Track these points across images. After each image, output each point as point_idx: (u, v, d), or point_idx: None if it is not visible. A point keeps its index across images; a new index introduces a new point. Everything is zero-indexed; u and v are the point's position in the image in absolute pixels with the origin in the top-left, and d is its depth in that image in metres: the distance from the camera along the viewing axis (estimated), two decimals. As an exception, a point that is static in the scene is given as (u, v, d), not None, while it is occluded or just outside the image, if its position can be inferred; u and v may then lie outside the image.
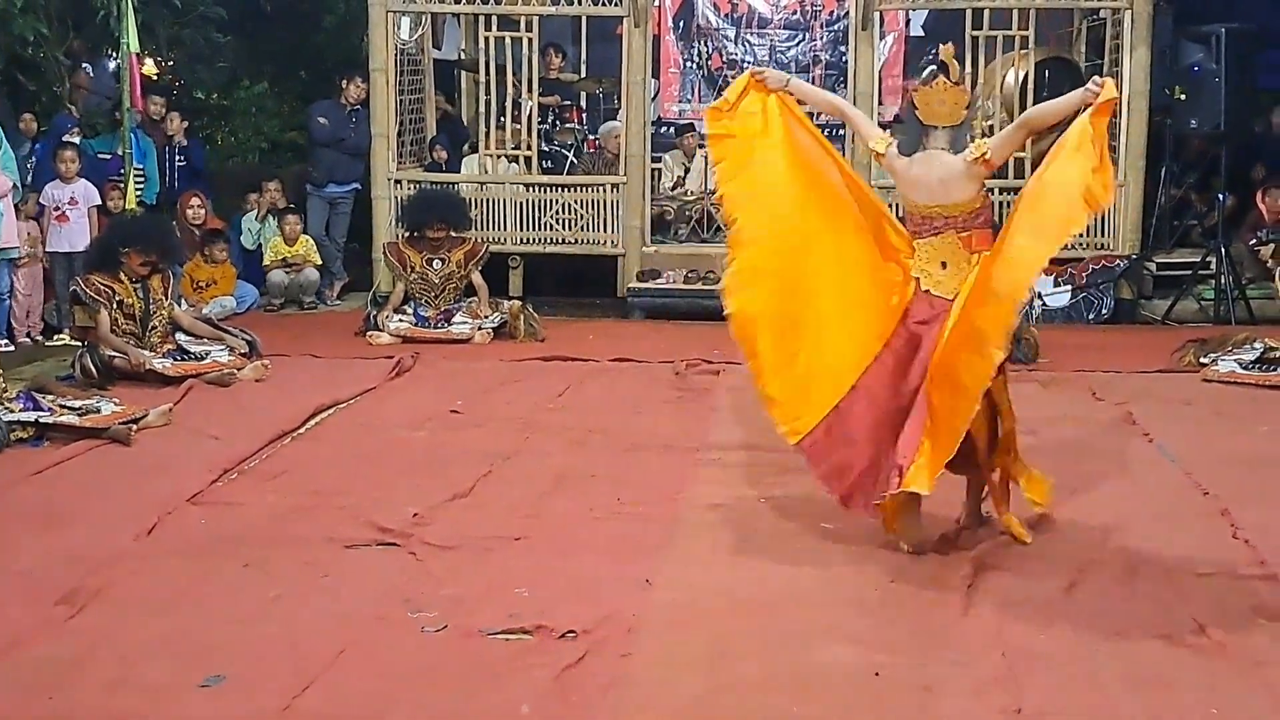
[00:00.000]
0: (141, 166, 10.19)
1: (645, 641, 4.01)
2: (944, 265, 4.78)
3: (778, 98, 5.17)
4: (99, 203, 9.83)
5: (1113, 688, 3.71)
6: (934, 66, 4.96)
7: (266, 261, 10.88)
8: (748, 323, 4.86)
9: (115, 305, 8.03)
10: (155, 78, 12.54)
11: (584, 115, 12.25)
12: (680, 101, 13.15)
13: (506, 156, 11.10)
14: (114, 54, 10.87)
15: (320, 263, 11.00)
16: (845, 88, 10.85)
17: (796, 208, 5.01)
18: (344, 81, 11.18)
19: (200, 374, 7.76)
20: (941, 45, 5.28)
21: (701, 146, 11.90)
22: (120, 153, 9.96)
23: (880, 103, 10.90)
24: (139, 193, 10.05)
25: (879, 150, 4.91)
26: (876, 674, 3.77)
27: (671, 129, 12.37)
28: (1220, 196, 10.42)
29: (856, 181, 5.16)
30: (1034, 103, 10.57)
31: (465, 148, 11.71)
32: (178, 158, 11.22)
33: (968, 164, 4.74)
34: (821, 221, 4.99)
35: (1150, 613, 4.23)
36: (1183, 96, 10.34)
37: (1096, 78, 4.59)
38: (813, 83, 12.69)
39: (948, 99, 4.83)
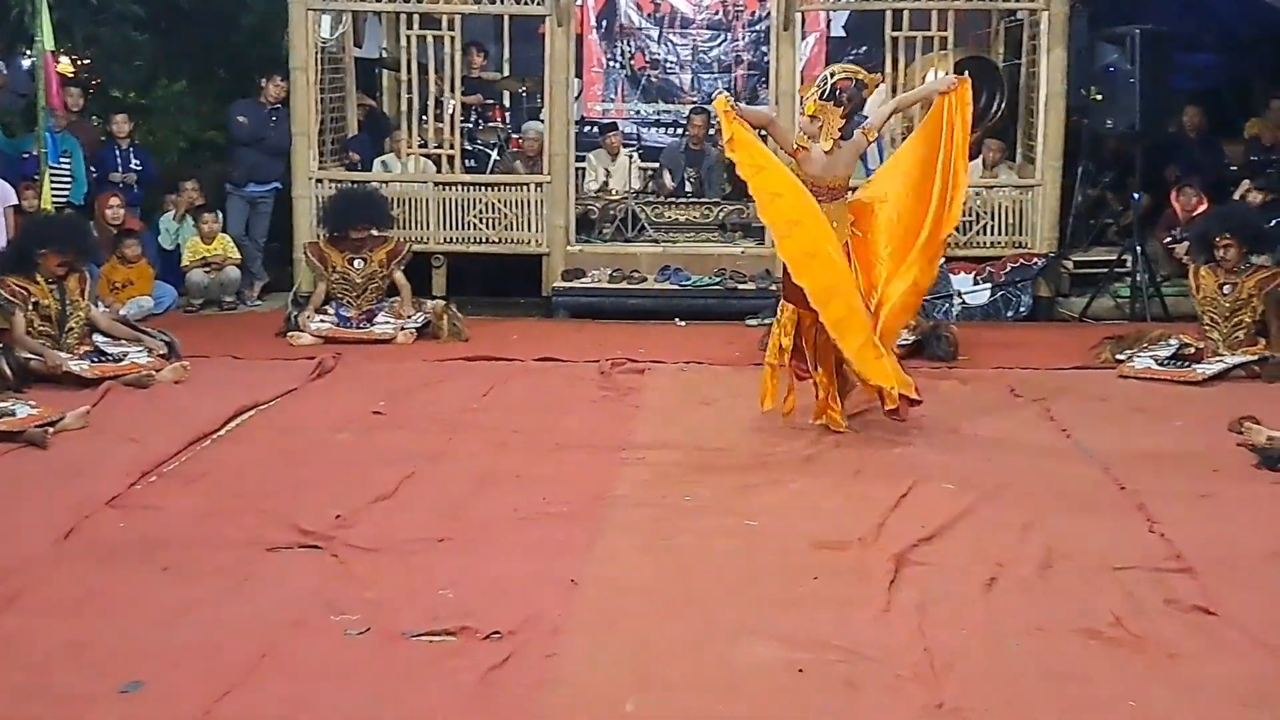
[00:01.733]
0: (59, 166, 10.00)
1: (570, 641, 4.01)
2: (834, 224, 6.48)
3: (734, 115, 6.52)
4: (14, 202, 9.65)
5: (1031, 681, 3.76)
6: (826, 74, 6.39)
7: (185, 261, 10.74)
8: (823, 292, 6.30)
9: (31, 307, 7.89)
10: (72, 75, 12.32)
11: (507, 114, 12.20)
12: (604, 101, 13.15)
13: (428, 155, 11.03)
14: (28, 52, 10.67)
15: (240, 261, 10.88)
16: (767, 87, 10.90)
17: (803, 196, 6.51)
18: (264, 80, 11.07)
19: (118, 375, 7.64)
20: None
21: (625, 146, 11.93)
22: (36, 152, 9.78)
23: (802, 101, 10.93)
24: (64, 193, 9.90)
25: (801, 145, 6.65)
26: (800, 671, 3.80)
27: (595, 128, 12.36)
28: (1135, 195, 10.56)
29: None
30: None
31: (386, 144, 11.62)
32: (133, 161, 11.09)
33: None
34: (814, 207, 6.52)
35: (1068, 607, 4.29)
36: (1099, 97, 10.49)
37: (952, 76, 6.15)
38: (734, 83, 12.88)
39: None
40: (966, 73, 10.05)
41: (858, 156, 6.88)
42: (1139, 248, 10.23)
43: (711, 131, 11.08)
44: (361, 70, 12.14)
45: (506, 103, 12.33)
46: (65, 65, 11.83)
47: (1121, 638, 4.05)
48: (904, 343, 8.49)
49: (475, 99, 11.78)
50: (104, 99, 12.80)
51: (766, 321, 8.92)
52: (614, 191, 11.37)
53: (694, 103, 12.39)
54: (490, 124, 11.94)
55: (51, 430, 6.40)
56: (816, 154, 6.61)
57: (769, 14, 11.26)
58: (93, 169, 11.02)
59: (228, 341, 9.16)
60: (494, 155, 11.62)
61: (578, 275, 10.64)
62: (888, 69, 10.54)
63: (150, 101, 12.93)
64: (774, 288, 9.81)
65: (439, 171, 10.93)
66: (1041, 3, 10.49)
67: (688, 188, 11.40)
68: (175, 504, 5.42)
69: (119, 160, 11.08)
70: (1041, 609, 4.28)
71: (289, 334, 9.27)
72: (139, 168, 11.14)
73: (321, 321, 9.35)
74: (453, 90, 10.83)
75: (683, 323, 9.85)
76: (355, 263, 9.55)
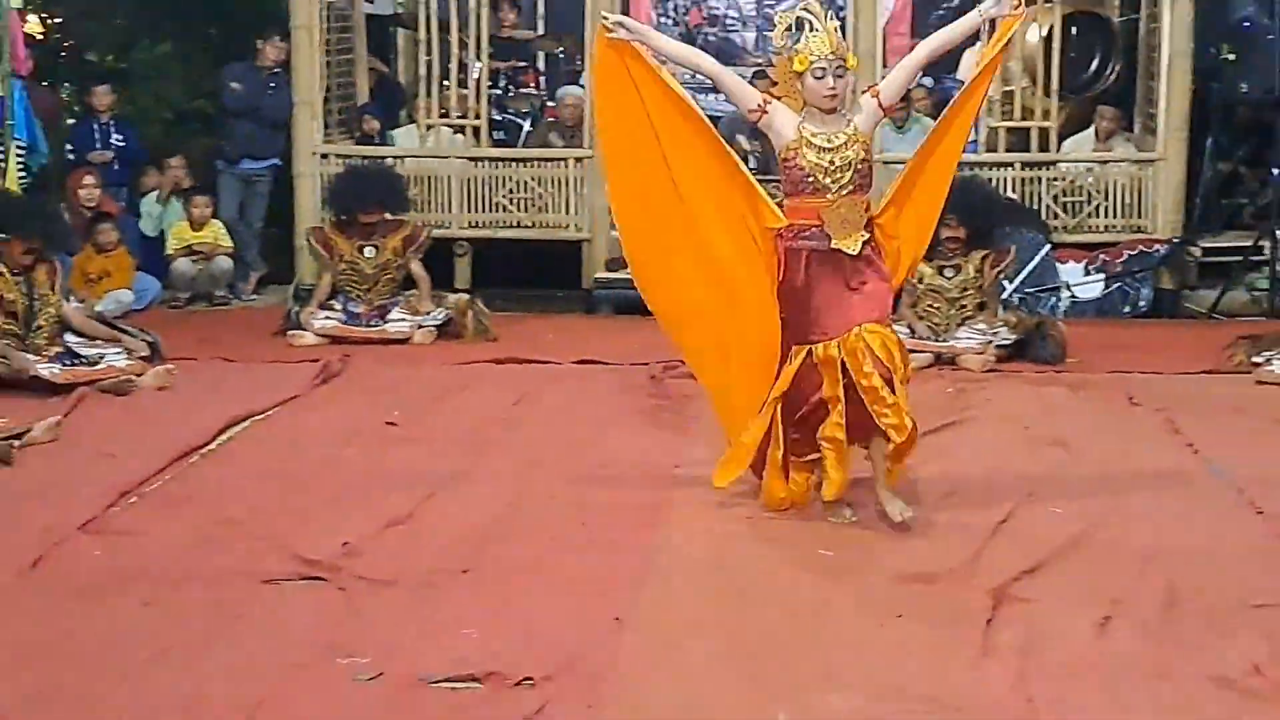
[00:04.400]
0: (22, 140, 10.09)
1: (614, 691, 3.99)
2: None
3: (627, 51, 5.62)
4: (-28, 182, 9.76)
5: (1155, 740, 3.71)
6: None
7: (169, 250, 10.84)
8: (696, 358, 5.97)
9: (-7, 302, 7.98)
10: (41, 37, 12.45)
11: (542, 79, 12.22)
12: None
13: (450, 127, 11.06)
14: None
15: (233, 249, 10.95)
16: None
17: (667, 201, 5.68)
18: (261, 41, 11.14)
19: (93, 381, 7.70)
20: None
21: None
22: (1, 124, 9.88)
23: (884, 64, 10.90)
24: (21, 167, 9.97)
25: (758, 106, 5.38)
26: (882, 726, 3.77)
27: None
28: (1275, 172, 10.47)
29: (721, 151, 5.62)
30: (1059, 64, 10.67)
31: (402, 116, 11.67)
32: (114, 136, 11.19)
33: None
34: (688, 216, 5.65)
35: (1196, 651, 4.23)
36: (1231, 57, 10.41)
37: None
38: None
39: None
40: (1075, 30, 10.02)
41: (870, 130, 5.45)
42: (1278, 233, 10.13)
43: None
44: (373, 29, 12.21)
45: (541, 66, 12.36)
46: (34, 25, 11.96)
47: (1260, 687, 3.99)
48: (1005, 342, 8.51)
49: (505, 64, 11.81)
50: (77, 63, 12.91)
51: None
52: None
53: (758, 65, 12.36)
54: (523, 90, 11.98)
55: (17, 444, 6.44)
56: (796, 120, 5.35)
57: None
58: (69, 146, 11.14)
59: (219, 342, 9.22)
60: (527, 126, 11.65)
61: (623, 265, 10.62)
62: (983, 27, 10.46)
63: (130, 66, 13.03)
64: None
65: (463, 145, 10.97)
66: (1164, -52, 10.42)
67: (751, 163, 11.36)
68: (158, 529, 5.44)
69: (97, 136, 11.19)
70: (1165, 653, 4.23)
71: (289, 333, 9.33)
72: (121, 143, 11.25)
73: (327, 318, 9.41)
74: (479, 52, 10.85)
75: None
76: (366, 251, 9.60)
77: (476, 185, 10.81)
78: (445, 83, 11.03)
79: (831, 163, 5.22)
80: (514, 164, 10.88)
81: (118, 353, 8.12)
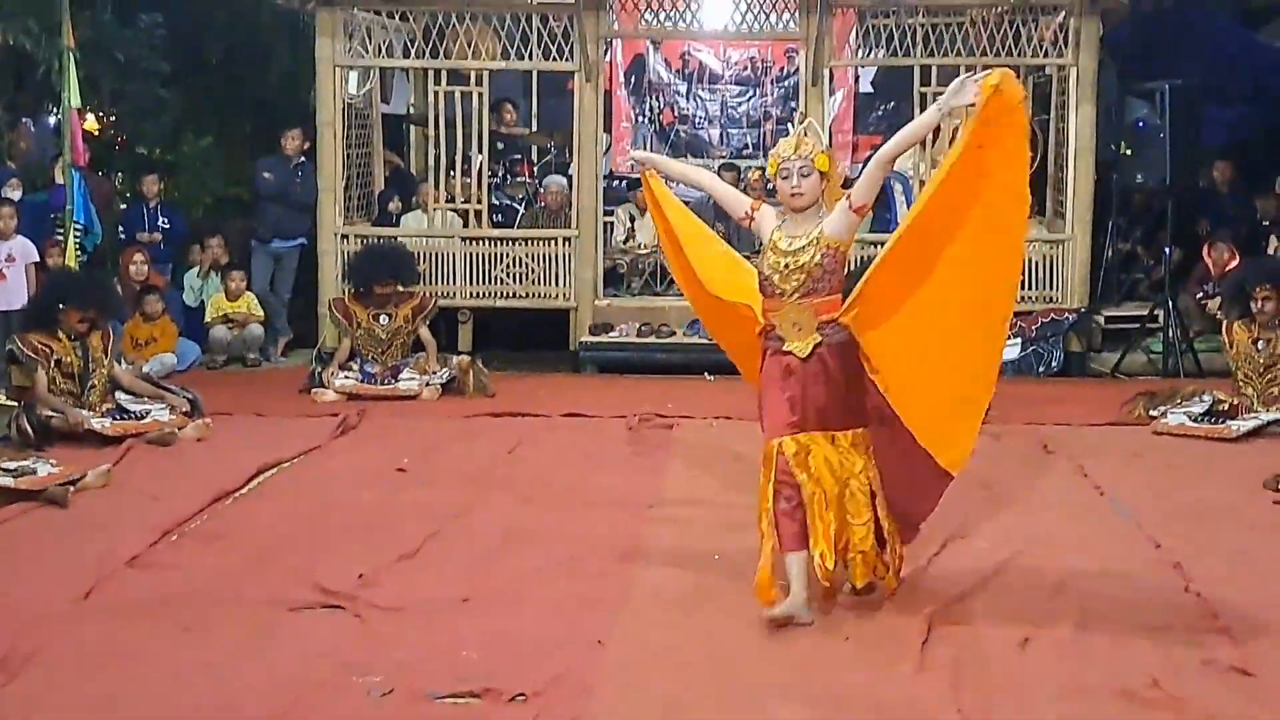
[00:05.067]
0: (80, 222, 10.08)
1: (598, 703, 3.97)
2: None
3: (652, 177, 5.58)
4: (37, 259, 9.73)
5: (1069, 745, 3.70)
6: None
7: (208, 318, 10.80)
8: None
9: (53, 364, 7.93)
10: (97, 133, 12.46)
11: (534, 169, 12.28)
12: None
13: (454, 211, 11.09)
14: (55, 109, 10.81)
15: (264, 319, 10.93)
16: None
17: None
18: (283, 134, 11.15)
19: (140, 433, 7.66)
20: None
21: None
22: (62, 209, 9.86)
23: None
24: (78, 246, 9.95)
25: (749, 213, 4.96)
26: (831, 734, 3.75)
27: (623, 182, 12.43)
28: (1167, 250, 10.55)
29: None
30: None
31: (414, 201, 11.71)
32: (161, 219, 11.18)
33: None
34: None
35: (1104, 668, 4.23)
36: (1128, 152, 10.51)
37: (973, 79, 4.46)
38: (763, 138, 12.96)
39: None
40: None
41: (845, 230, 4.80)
42: (1171, 302, 10.19)
43: (742, 186, 11.11)
44: (388, 126, 12.25)
45: (535, 158, 12.42)
46: (91, 123, 11.97)
47: (1159, 699, 3.99)
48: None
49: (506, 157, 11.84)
50: (129, 154, 12.92)
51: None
52: (642, 245, 11.40)
53: (723, 158, 12.47)
54: (517, 179, 12.02)
55: (73, 489, 6.41)
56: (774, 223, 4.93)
57: (797, 70, 11.32)
58: (120, 228, 11.13)
59: (251, 398, 9.17)
60: (521, 209, 11.68)
61: (605, 329, 10.65)
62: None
63: (176, 157, 13.04)
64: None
65: (465, 226, 10.99)
66: (1070, 58, 10.52)
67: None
68: (196, 563, 5.41)
69: (146, 219, 11.17)
70: (1077, 670, 4.22)
71: (313, 391, 9.28)
72: (166, 225, 11.24)
73: (346, 378, 9.37)
74: (480, 145, 10.90)
75: (712, 377, 9.80)
76: (380, 318, 9.58)
77: (477, 261, 10.80)
78: (451, 172, 11.06)
79: (786, 266, 4.74)
80: (510, 242, 10.88)
81: (162, 408, 8.08)
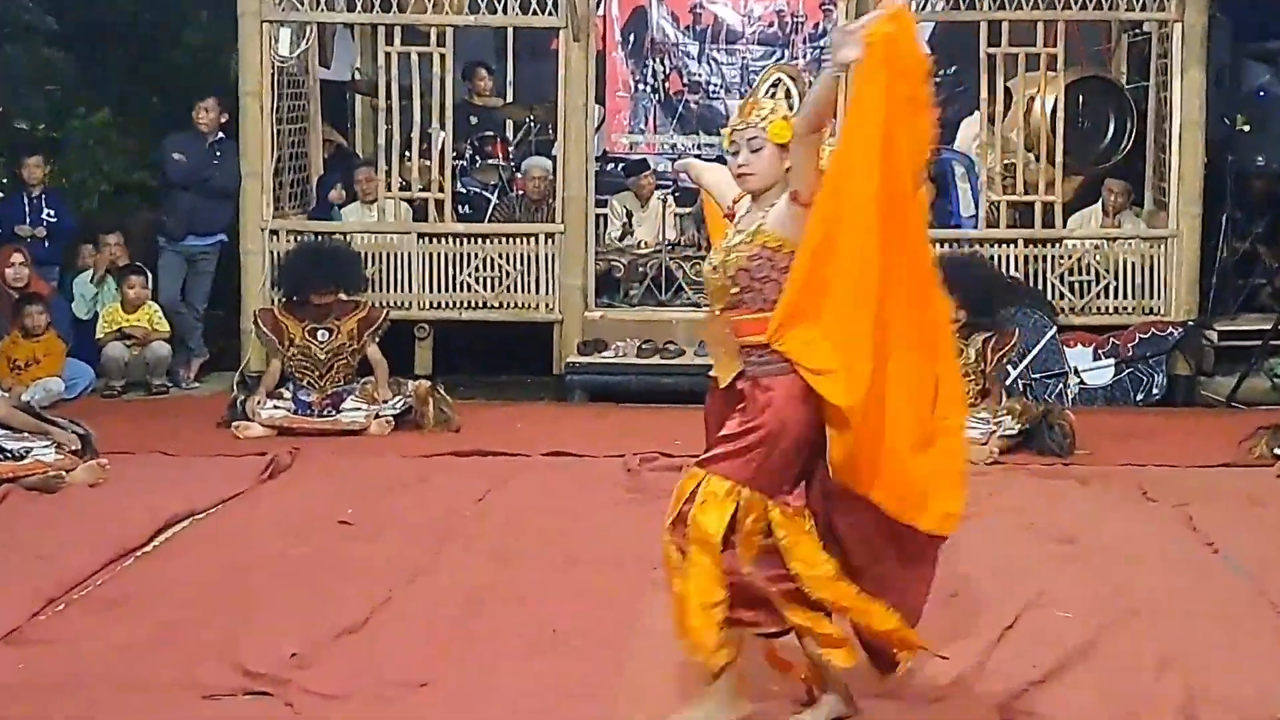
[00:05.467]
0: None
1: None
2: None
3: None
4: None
5: None
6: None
7: (101, 334, 10.80)
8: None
9: (-88, 390, 7.95)
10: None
11: (510, 150, 12.29)
12: (630, 132, 13.26)
13: (407, 200, 11.10)
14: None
15: (170, 333, 10.92)
16: (833, 116, 10.94)
17: None
18: (196, 107, 11.16)
19: (19, 477, 7.65)
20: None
21: (659, 188, 11.96)
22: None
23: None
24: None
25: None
26: None
27: (621, 166, 12.43)
28: (1294, 249, 10.56)
29: None
30: (1065, 134, 10.77)
31: (360, 190, 11.71)
32: (45, 211, 11.18)
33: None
34: None
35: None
36: (1246, 127, 10.50)
37: (858, 26, 4.17)
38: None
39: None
40: (1081, 98, 10.01)
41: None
42: (1300, 314, 10.20)
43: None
44: (329, 96, 12.28)
45: (510, 135, 12.43)
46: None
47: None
48: (1009, 433, 8.51)
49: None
50: (7, 131, 12.93)
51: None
52: (643, 244, 11.42)
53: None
54: (489, 161, 12.03)
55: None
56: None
57: (835, 25, 11.36)
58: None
59: (157, 433, 9.18)
60: (494, 199, 11.69)
61: (598, 348, 10.65)
62: (982, 94, 10.59)
63: (65, 135, 13.07)
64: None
65: (424, 220, 11.00)
66: (1173, 12, 10.55)
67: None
68: (90, 637, 5.39)
69: (27, 210, 11.19)
70: (1186, 771, 4.22)
71: (234, 424, 9.30)
72: (52, 219, 11.24)
73: (275, 408, 9.38)
74: (442, 120, 10.92)
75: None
76: (318, 334, 9.59)
77: (439, 263, 10.82)
78: (406, 153, 11.08)
79: (714, 269, 4.54)
80: (479, 240, 10.89)
81: (46, 446, 8.05)
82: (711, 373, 4.67)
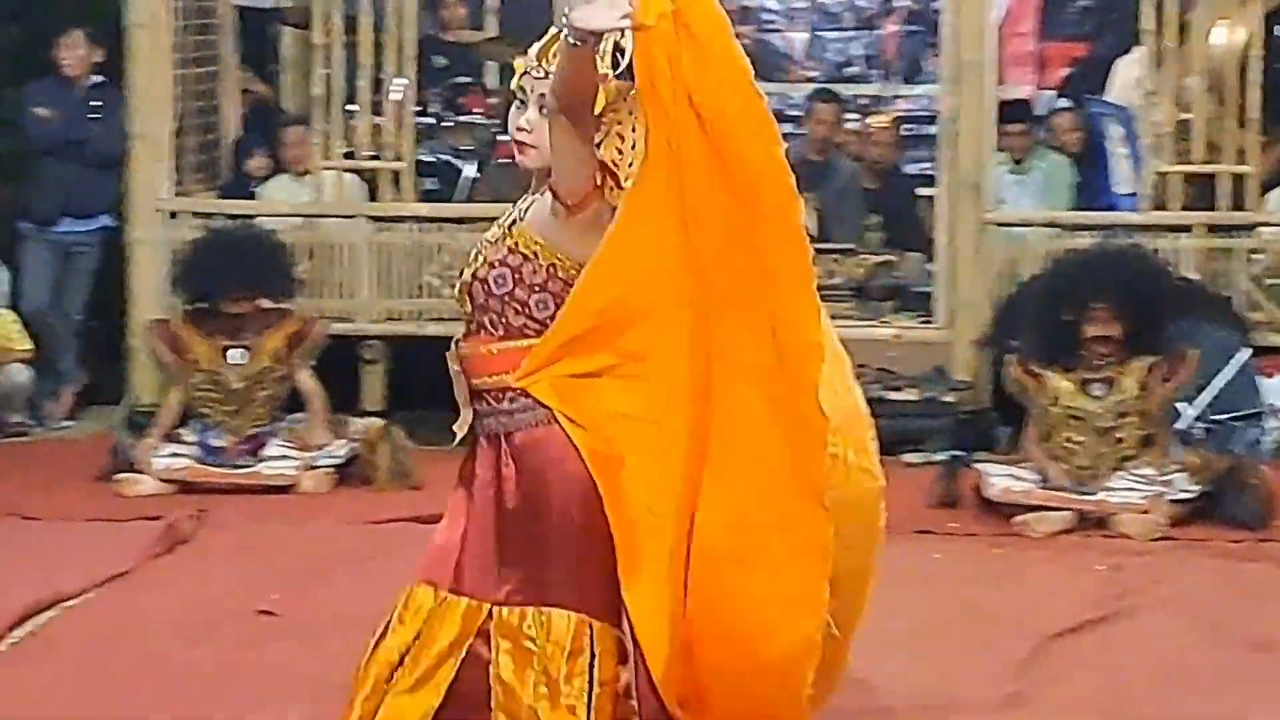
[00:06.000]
0: None
1: None
2: None
3: None
4: None
5: None
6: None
7: (-61, 356, 10.85)
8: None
9: None
10: None
11: (491, 103, 12.29)
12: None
13: (355, 171, 11.10)
14: None
15: (34, 354, 10.94)
16: (936, 53, 10.97)
17: None
18: (56, 44, 11.18)
19: None
20: None
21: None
22: None
23: (1000, 81, 10.99)
24: None
25: None
26: None
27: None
28: None
29: None
30: (1262, 77, 10.71)
31: (288, 157, 11.72)
32: None
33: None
34: None
35: None
36: None
37: None
38: (882, 46, 13.00)
39: None
40: None
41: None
42: None
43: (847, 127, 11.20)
44: (249, 30, 12.30)
45: (494, 82, 12.44)
46: None
47: None
48: (1183, 496, 8.45)
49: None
50: None
51: (937, 458, 8.87)
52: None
53: (812, 80, 12.50)
54: (464, 118, 12.03)
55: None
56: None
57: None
58: None
59: (14, 490, 9.23)
60: (469, 171, 11.69)
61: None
62: (1146, 22, 10.56)
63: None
64: (950, 399, 9.80)
65: (375, 199, 11.01)
66: None
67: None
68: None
69: None
70: None
71: (118, 477, 9.32)
72: None
73: (174, 455, 9.40)
74: (400, 62, 10.93)
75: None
76: (232, 355, 9.61)
77: (395, 258, 10.82)
78: (351, 108, 11.08)
79: (466, 276, 4.49)
80: (450, 226, 10.88)
81: None
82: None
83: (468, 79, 12.24)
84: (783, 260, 4.01)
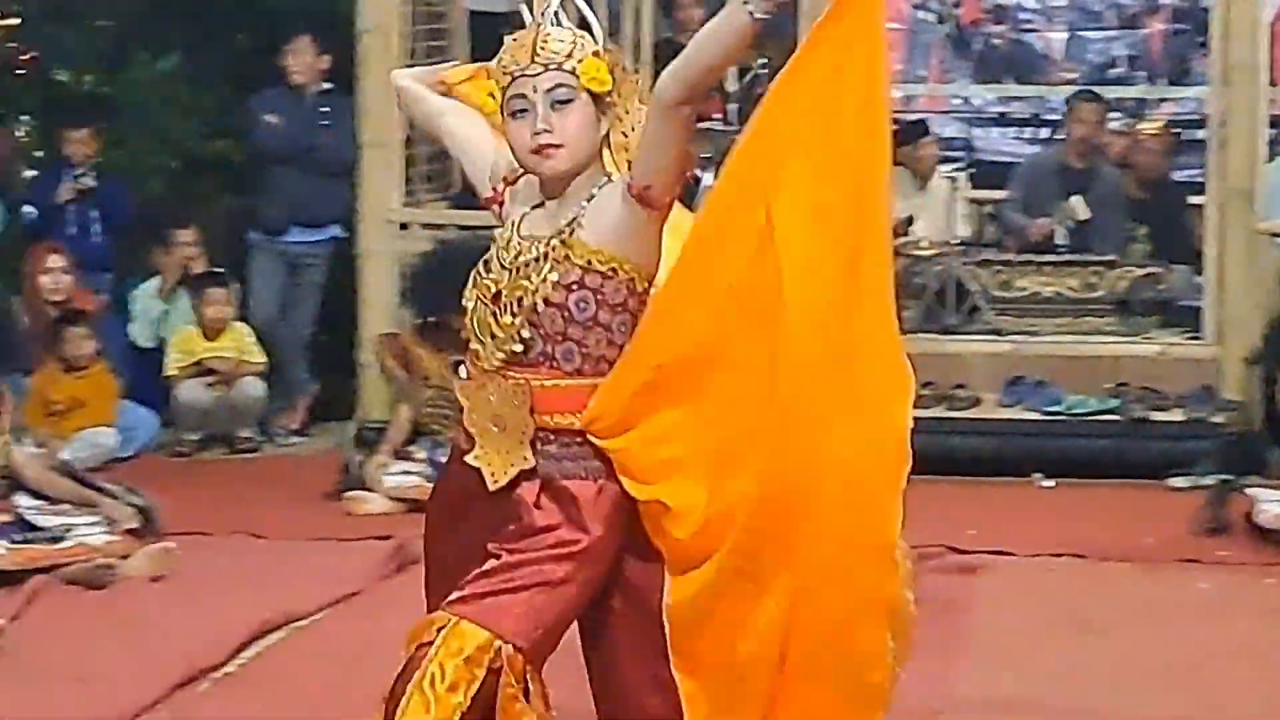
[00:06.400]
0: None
1: None
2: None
3: None
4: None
5: None
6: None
7: (172, 369, 10.91)
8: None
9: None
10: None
11: (730, 108, 12.26)
12: (905, 80, 13.16)
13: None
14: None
15: (265, 367, 11.02)
16: (1205, 53, 10.81)
17: None
18: (284, 51, 11.32)
19: (57, 566, 7.80)
20: None
21: (945, 161, 11.90)
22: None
23: (1274, 82, 10.80)
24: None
25: None
26: None
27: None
28: None
29: None
30: None
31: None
32: (92, 212, 11.37)
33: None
34: None
35: None
36: None
37: None
38: (1147, 46, 12.84)
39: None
40: None
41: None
42: None
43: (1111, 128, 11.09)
44: (480, 34, 12.36)
45: (732, 86, 12.40)
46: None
47: None
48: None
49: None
50: (44, 87, 13.17)
51: (1205, 483, 8.73)
52: (924, 243, 11.33)
53: (1072, 82, 12.36)
54: (702, 124, 12.00)
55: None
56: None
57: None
58: (28, 209, 11.31)
59: (243, 508, 9.35)
60: (709, 181, 11.66)
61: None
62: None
63: (120, 91, 13.25)
64: (1219, 420, 9.65)
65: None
66: None
67: (1060, 236, 11.29)
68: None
69: (68, 194, 11.36)
70: None
71: (347, 494, 9.40)
72: (98, 214, 11.41)
73: (405, 473, 9.45)
74: (639, 68, 10.93)
75: (1048, 481, 9.75)
76: (463, 370, 9.64)
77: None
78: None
79: (496, 295, 4.20)
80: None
81: (93, 523, 8.20)
82: (470, 460, 4.25)
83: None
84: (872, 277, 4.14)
